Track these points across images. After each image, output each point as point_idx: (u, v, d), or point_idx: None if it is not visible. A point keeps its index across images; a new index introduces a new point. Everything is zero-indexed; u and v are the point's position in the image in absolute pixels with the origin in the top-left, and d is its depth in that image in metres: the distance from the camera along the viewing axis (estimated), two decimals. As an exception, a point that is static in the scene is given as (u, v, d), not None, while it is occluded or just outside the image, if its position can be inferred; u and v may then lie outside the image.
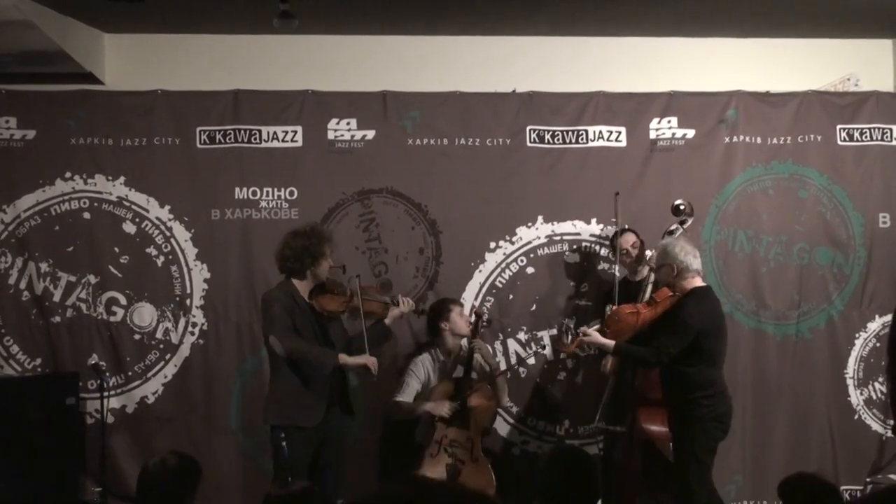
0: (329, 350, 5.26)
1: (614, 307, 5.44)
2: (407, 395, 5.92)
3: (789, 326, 6.63)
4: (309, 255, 5.24)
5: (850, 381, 6.67)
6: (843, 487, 6.25)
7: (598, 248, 6.54)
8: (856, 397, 6.67)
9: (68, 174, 6.44)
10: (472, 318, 5.99)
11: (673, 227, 5.74)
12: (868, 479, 6.57)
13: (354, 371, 5.42)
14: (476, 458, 5.70)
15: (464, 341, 5.94)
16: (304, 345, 5.19)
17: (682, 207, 5.80)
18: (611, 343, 5.18)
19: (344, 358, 5.25)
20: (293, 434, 5.06)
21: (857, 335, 6.68)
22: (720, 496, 5.34)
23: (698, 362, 5.01)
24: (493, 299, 6.52)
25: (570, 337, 5.32)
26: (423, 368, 6.01)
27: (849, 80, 6.84)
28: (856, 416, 6.67)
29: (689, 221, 5.83)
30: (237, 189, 6.47)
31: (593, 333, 5.21)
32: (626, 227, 6.18)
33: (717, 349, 5.11)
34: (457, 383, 5.79)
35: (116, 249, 6.44)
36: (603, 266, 6.53)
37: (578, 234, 6.59)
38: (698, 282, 5.16)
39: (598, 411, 5.83)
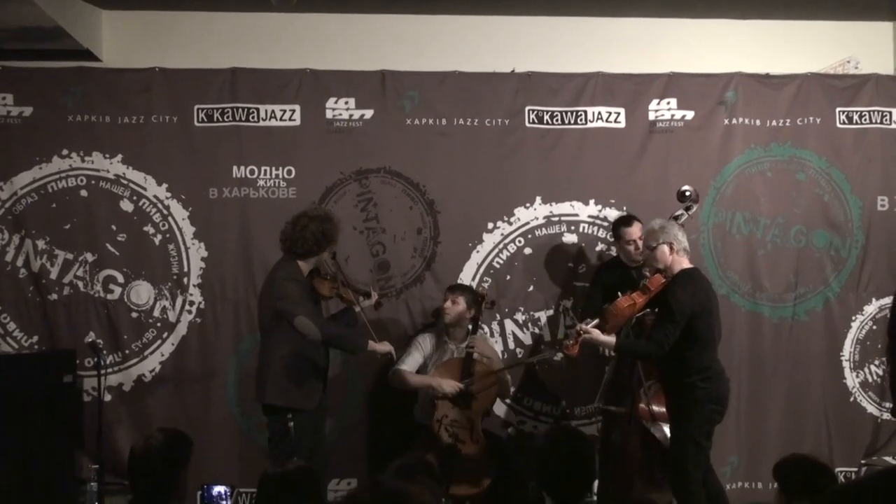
0: (359, 334, 5.39)
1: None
2: (409, 365, 5.94)
3: (786, 309, 6.64)
4: (325, 240, 5.28)
5: (845, 364, 6.69)
6: (837, 469, 6.24)
7: (596, 229, 6.53)
8: (851, 380, 6.68)
9: (65, 151, 6.42)
10: (476, 300, 5.98)
11: (678, 212, 5.66)
12: (863, 462, 6.60)
13: (378, 355, 5.48)
14: (476, 438, 5.71)
15: (468, 324, 5.94)
16: (339, 329, 5.33)
17: (688, 193, 5.71)
18: (612, 341, 5.11)
19: (372, 344, 5.38)
20: (297, 416, 5.12)
21: (853, 318, 6.69)
22: (717, 477, 5.35)
23: (692, 346, 4.98)
24: (490, 280, 6.52)
25: (571, 338, 5.27)
26: (428, 343, 6.04)
27: (849, 62, 6.82)
28: (851, 399, 6.68)
29: (695, 208, 5.76)
30: (235, 168, 6.46)
31: (594, 332, 5.10)
32: (631, 214, 6.15)
33: (710, 331, 5.07)
34: (461, 364, 5.79)
35: (114, 227, 6.43)
36: (601, 247, 6.52)
37: (576, 215, 6.58)
38: (686, 263, 5.14)
39: (598, 391, 5.83)
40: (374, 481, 1.90)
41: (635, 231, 5.87)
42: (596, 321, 5.19)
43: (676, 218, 5.58)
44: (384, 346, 5.44)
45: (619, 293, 5.32)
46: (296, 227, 5.28)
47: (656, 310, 5.19)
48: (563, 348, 5.38)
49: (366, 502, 1.82)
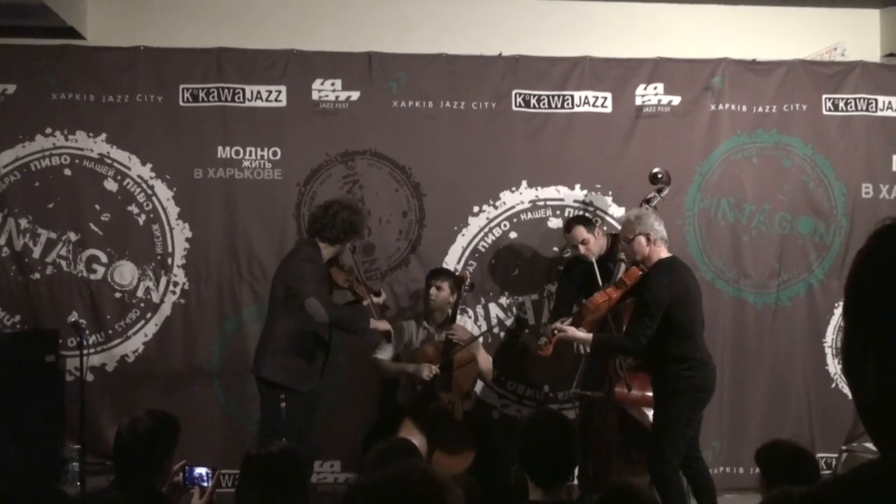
0: (361, 315, 5.46)
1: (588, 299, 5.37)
2: (385, 353, 5.94)
3: (769, 295, 6.66)
4: (352, 230, 5.39)
5: (828, 350, 6.72)
6: (818, 455, 6.29)
7: (581, 213, 6.53)
8: (833, 366, 6.71)
9: (49, 130, 6.37)
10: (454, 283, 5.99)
11: (650, 195, 5.69)
12: (843, 448, 6.64)
13: (378, 335, 5.59)
14: (457, 421, 5.72)
15: (448, 309, 5.95)
16: (345, 313, 5.38)
17: (659, 176, 5.75)
18: (588, 337, 5.14)
19: (374, 322, 5.46)
20: (290, 397, 5.14)
21: (836, 304, 6.70)
22: (704, 463, 5.38)
23: (673, 336, 4.98)
24: (475, 263, 6.52)
25: (545, 338, 5.28)
26: (406, 331, 6.03)
27: (835, 49, 6.82)
28: (833, 385, 6.72)
29: (667, 190, 5.80)
30: (220, 148, 6.42)
31: (569, 329, 5.13)
32: (576, 216, 6.17)
33: (691, 320, 5.06)
34: (439, 347, 5.80)
35: (97, 207, 6.39)
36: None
37: (562, 199, 6.58)
38: (664, 252, 5.12)
39: (576, 377, 5.85)
40: (384, 474, 1.81)
41: (577, 234, 5.85)
42: (570, 318, 5.20)
43: (649, 201, 5.60)
44: (384, 325, 5.55)
45: (599, 281, 5.33)
46: (327, 212, 5.36)
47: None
48: (536, 349, 5.40)
49: (381, 497, 1.74)
